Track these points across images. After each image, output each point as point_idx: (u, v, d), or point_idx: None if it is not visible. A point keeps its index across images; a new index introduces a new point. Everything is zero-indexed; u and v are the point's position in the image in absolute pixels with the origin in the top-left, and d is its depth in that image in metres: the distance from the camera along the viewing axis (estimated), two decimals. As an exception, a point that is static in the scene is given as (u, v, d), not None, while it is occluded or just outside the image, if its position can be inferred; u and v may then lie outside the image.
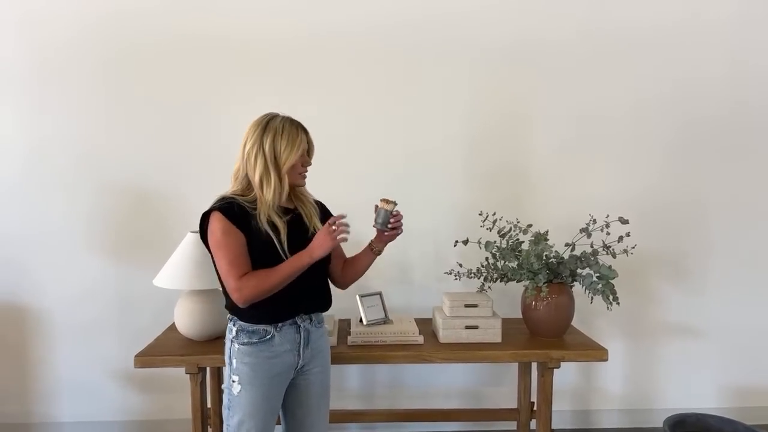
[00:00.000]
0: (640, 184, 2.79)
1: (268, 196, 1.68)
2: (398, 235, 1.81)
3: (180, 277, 2.14)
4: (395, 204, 1.76)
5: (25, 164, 2.64)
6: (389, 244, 1.84)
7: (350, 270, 1.89)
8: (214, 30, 2.62)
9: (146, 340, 2.30)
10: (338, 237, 1.62)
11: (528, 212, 2.64)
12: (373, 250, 1.84)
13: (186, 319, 2.19)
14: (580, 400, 2.91)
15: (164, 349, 2.16)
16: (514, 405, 2.70)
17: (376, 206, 1.78)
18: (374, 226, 1.79)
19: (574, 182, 2.78)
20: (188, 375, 2.11)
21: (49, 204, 2.66)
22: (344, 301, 2.53)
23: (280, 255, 1.66)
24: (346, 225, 1.64)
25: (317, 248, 1.64)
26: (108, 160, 2.66)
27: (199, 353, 2.11)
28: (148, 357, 2.10)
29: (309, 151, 1.79)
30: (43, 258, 2.68)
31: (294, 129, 1.72)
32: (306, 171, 1.79)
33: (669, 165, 2.80)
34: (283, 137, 1.69)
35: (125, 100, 2.64)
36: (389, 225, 1.76)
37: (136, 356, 2.08)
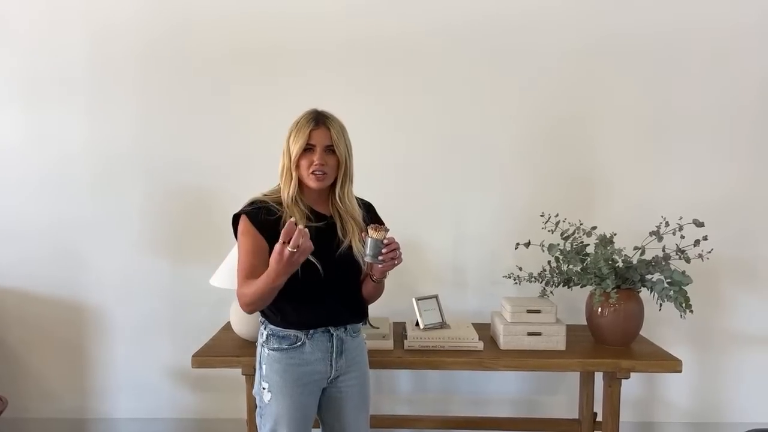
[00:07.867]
0: (709, 185, 2.63)
1: (284, 194, 1.62)
2: (396, 265, 1.56)
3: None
4: (386, 231, 1.54)
5: (88, 165, 2.68)
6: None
7: (364, 292, 1.72)
8: (275, 39, 2.61)
9: (201, 338, 2.30)
10: (294, 258, 1.36)
11: (588, 215, 2.51)
12: (373, 279, 1.66)
13: (241, 319, 2.17)
14: (642, 411, 2.76)
15: (221, 349, 2.15)
16: (572, 415, 2.59)
17: (364, 235, 1.55)
18: (365, 259, 1.57)
19: (636, 184, 2.64)
20: (244, 376, 2.09)
21: (108, 203, 2.69)
22: (399, 304, 2.48)
23: None
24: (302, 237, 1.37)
25: (276, 274, 1.40)
26: (166, 160, 2.68)
27: (255, 354, 2.08)
28: (205, 357, 2.09)
29: (315, 146, 1.58)
30: (102, 256, 2.71)
31: (304, 119, 1.61)
32: (318, 170, 1.58)
33: (740, 166, 2.64)
34: (294, 129, 1.61)
35: (185, 104, 2.65)
36: (380, 257, 1.52)
37: (193, 356, 2.08)
